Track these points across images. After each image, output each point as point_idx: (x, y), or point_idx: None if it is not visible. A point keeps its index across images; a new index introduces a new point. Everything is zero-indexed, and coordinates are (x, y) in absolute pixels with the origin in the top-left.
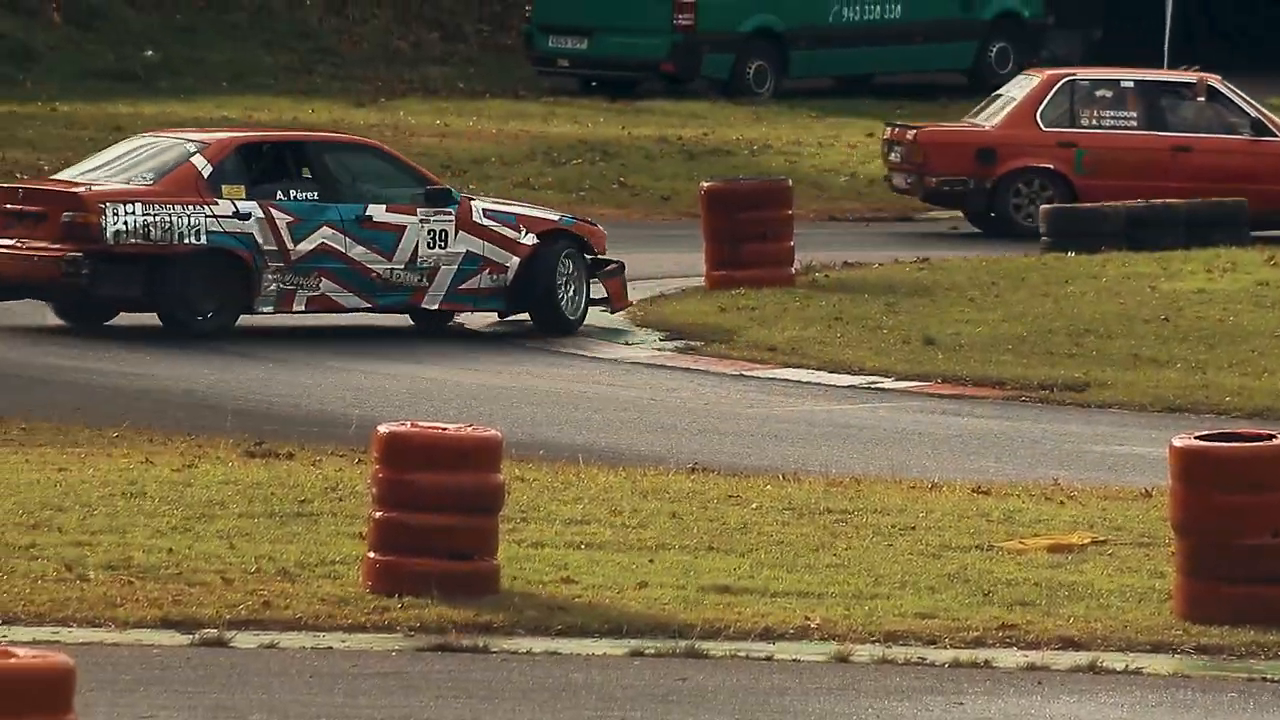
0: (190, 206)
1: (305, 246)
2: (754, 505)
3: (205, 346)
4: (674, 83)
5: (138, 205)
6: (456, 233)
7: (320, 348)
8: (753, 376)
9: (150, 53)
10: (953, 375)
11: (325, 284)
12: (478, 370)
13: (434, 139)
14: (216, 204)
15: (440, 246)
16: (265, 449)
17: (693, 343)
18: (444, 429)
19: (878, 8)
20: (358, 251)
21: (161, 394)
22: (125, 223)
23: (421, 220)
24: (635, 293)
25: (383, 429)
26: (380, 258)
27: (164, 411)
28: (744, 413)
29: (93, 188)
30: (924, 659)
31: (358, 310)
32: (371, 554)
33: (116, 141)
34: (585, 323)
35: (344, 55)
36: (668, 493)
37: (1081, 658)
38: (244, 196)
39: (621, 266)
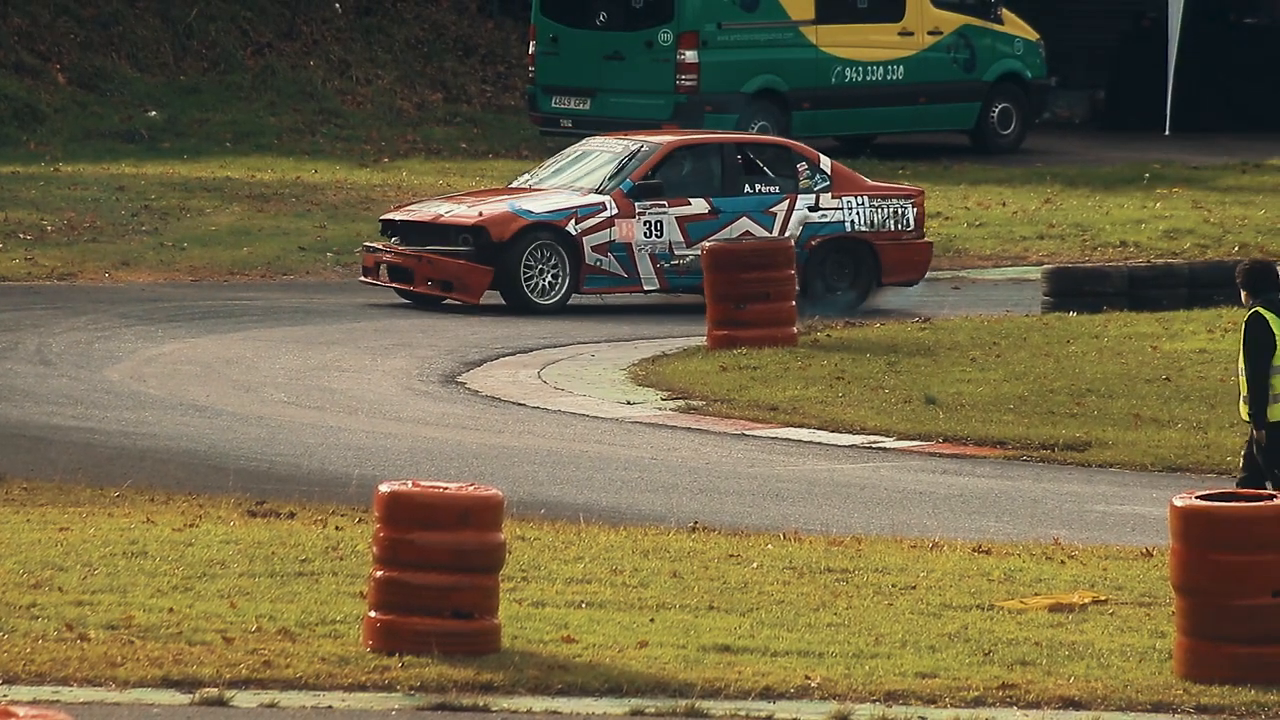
0: None
1: None
2: (755, 564)
3: (208, 409)
4: None
5: None
6: None
7: (322, 408)
8: (754, 436)
9: (154, 113)
10: (954, 435)
11: None
12: (479, 430)
13: None
14: None
15: None
16: (267, 508)
17: (694, 402)
18: (445, 488)
19: (880, 69)
20: None
21: (163, 454)
22: None
23: None
24: (638, 352)
25: (384, 488)
26: None
27: (166, 471)
28: (745, 472)
29: None
30: (924, 718)
31: None
32: (372, 613)
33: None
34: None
35: (347, 116)
36: (668, 552)
37: (1082, 717)
38: None
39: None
